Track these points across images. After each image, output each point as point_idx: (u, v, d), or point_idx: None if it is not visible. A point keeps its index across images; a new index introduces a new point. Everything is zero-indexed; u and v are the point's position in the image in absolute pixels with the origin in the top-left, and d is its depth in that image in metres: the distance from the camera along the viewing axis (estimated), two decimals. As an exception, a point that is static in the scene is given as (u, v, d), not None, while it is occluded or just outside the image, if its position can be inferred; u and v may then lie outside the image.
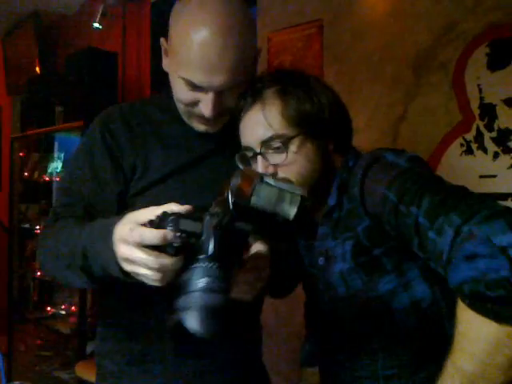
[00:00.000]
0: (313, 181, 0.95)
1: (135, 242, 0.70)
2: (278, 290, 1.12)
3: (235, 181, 0.70)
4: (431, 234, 0.74)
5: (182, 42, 0.93)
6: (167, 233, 0.69)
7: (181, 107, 1.02)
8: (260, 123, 0.94)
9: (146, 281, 0.73)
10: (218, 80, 0.93)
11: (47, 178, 3.45)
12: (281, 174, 0.94)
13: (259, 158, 0.95)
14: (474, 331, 0.69)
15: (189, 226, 0.70)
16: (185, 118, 1.04)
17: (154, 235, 0.69)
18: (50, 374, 3.18)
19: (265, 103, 0.95)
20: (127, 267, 0.74)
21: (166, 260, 0.70)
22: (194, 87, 0.95)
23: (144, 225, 0.71)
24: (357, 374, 0.96)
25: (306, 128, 0.94)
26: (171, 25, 0.98)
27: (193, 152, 1.05)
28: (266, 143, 0.94)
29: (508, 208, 0.70)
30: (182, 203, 0.88)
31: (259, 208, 0.67)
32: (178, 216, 0.70)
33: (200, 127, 1.03)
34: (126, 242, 0.72)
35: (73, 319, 3.17)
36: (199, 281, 0.67)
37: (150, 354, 1.00)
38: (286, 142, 0.93)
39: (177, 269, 0.71)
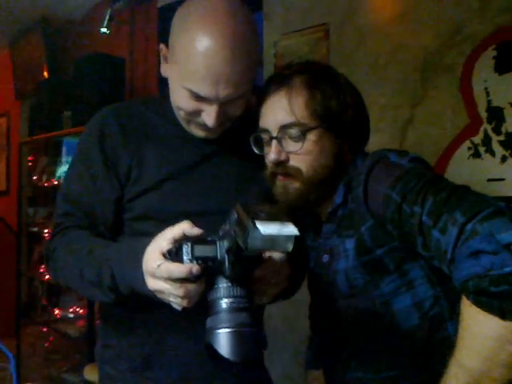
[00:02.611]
0: (322, 176, 0.95)
1: (163, 277, 0.75)
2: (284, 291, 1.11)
3: (232, 219, 0.72)
4: (435, 233, 0.75)
5: (188, 51, 0.90)
6: (192, 267, 0.72)
7: (180, 114, 1.00)
8: (283, 108, 0.94)
9: (174, 306, 0.79)
10: (224, 92, 0.91)
11: (55, 182, 3.47)
12: (292, 163, 0.95)
13: (274, 142, 0.96)
14: (478, 328, 0.70)
15: (203, 251, 0.74)
16: (183, 124, 1.03)
17: (180, 270, 0.73)
18: (58, 377, 3.20)
19: (291, 90, 0.95)
20: (157, 295, 0.80)
21: (189, 287, 0.75)
22: (198, 98, 0.93)
23: (164, 255, 0.76)
24: (361, 375, 0.96)
25: (327, 123, 0.95)
26: (174, 32, 0.95)
27: (189, 156, 1.03)
28: (284, 128, 0.94)
29: (510, 206, 0.71)
30: (178, 208, 0.97)
31: (256, 251, 0.71)
32: (192, 243, 0.74)
33: (199, 133, 1.01)
34: (154, 276, 0.77)
35: (81, 322, 3.18)
36: (223, 301, 0.72)
37: (153, 361, 1.00)
38: (304, 131, 0.94)
39: (200, 292, 0.76)
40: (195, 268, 0.72)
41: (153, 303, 0.91)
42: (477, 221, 0.70)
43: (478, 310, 0.69)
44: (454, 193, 0.77)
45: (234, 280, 0.73)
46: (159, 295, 0.79)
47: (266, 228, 0.65)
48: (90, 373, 2.62)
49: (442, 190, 0.78)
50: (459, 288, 0.72)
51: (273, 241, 0.67)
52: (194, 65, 0.90)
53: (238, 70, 0.91)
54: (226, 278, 0.73)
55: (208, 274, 0.74)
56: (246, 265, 0.74)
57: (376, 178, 0.88)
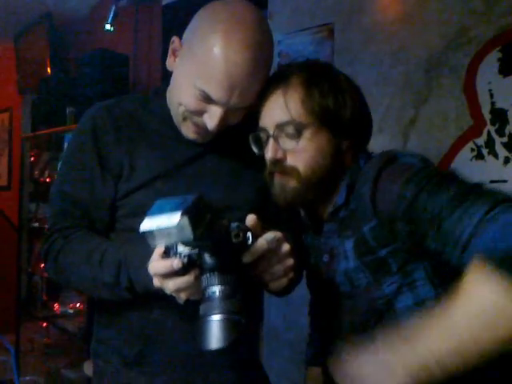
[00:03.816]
0: (319, 175, 0.95)
1: (153, 274, 0.81)
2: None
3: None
4: (449, 226, 0.75)
5: (210, 53, 0.91)
6: (172, 261, 0.77)
7: (179, 110, 0.99)
8: (279, 106, 0.94)
9: (178, 300, 0.84)
10: (236, 100, 0.92)
11: (57, 178, 3.47)
12: (289, 161, 0.95)
13: (271, 140, 0.95)
14: (483, 294, 0.67)
15: (185, 247, 0.77)
16: (177, 120, 1.02)
17: (162, 266, 0.79)
18: (57, 372, 3.20)
19: (288, 88, 0.95)
20: (165, 291, 0.84)
21: (179, 280, 0.79)
22: (207, 99, 0.93)
23: (162, 255, 0.80)
24: None
25: (323, 121, 0.94)
26: (196, 31, 0.95)
27: (181, 154, 1.03)
28: (280, 127, 0.94)
29: None
30: None
31: (160, 245, 0.76)
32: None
33: (190, 135, 1.01)
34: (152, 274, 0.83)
35: (81, 318, 3.18)
36: (211, 289, 0.75)
37: (147, 356, 1.00)
38: (300, 128, 0.93)
39: (192, 284, 0.79)
40: (175, 262, 0.76)
41: (143, 300, 0.94)
42: (496, 212, 0.70)
43: (489, 276, 0.65)
44: (467, 188, 0.77)
45: (216, 269, 0.76)
46: (165, 291, 0.83)
47: (147, 223, 0.69)
48: (90, 368, 2.62)
49: (456, 185, 0.78)
50: (474, 259, 0.68)
51: (162, 234, 0.69)
52: (214, 68, 0.90)
53: (254, 82, 0.93)
54: (211, 267, 0.76)
55: (194, 265, 0.78)
56: (228, 253, 0.78)
57: (388, 178, 0.87)
